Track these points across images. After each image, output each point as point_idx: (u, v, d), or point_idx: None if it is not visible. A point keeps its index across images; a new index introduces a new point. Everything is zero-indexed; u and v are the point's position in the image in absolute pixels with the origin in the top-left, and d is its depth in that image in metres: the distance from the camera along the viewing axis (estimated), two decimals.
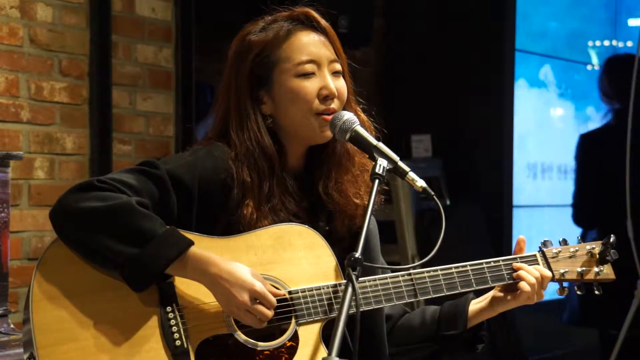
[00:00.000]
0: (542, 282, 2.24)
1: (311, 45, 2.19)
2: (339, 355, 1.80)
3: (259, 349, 2.06)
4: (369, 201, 2.02)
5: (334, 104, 2.20)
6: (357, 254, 1.94)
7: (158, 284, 2.04)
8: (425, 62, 5.74)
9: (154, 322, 2.02)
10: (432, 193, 2.07)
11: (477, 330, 2.31)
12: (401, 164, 2.10)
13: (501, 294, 2.27)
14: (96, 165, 4.19)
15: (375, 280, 2.17)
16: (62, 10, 4.11)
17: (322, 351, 2.09)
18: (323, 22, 2.23)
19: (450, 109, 5.62)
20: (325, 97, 2.18)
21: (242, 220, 2.12)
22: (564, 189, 6.27)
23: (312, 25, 2.21)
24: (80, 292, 2.01)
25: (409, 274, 2.19)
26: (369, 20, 5.35)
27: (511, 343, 5.50)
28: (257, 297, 2.01)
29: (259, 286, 2.01)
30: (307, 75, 2.17)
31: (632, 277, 4.28)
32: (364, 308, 2.14)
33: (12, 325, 2.85)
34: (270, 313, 2.03)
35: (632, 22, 6.75)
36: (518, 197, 5.71)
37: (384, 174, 2.07)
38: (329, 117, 2.17)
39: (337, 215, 2.24)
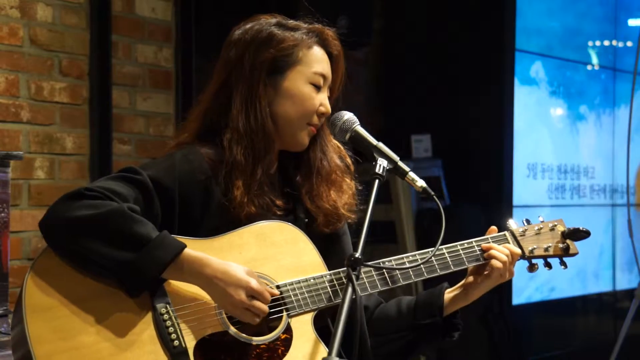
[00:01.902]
0: (512, 258, 2.31)
1: (324, 62, 2.28)
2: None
3: (255, 343, 2.09)
4: (368, 201, 2.05)
5: (322, 121, 2.29)
6: (357, 254, 1.97)
7: (153, 288, 2.05)
8: (425, 62, 5.74)
9: (149, 324, 2.03)
10: (432, 193, 2.11)
11: (452, 318, 2.36)
12: (401, 164, 2.14)
13: (473, 278, 2.32)
14: (96, 165, 4.20)
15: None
16: (62, 10, 4.12)
17: (316, 341, 2.13)
18: (336, 47, 2.31)
19: (450, 109, 5.62)
20: (322, 113, 2.27)
21: (232, 202, 2.16)
22: (560, 189, 6.27)
23: (325, 45, 2.29)
24: (73, 300, 2.01)
25: (390, 261, 2.24)
26: (369, 20, 5.35)
27: (511, 343, 5.51)
28: (253, 295, 2.05)
29: (254, 283, 2.05)
30: (317, 86, 2.26)
31: None
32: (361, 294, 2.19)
33: None
34: (266, 309, 2.07)
35: (632, 22, 6.75)
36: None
37: (384, 174, 2.10)
38: (315, 130, 2.27)
39: (319, 212, 2.28)
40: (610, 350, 4.36)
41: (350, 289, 1.93)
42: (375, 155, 2.14)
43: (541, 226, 2.40)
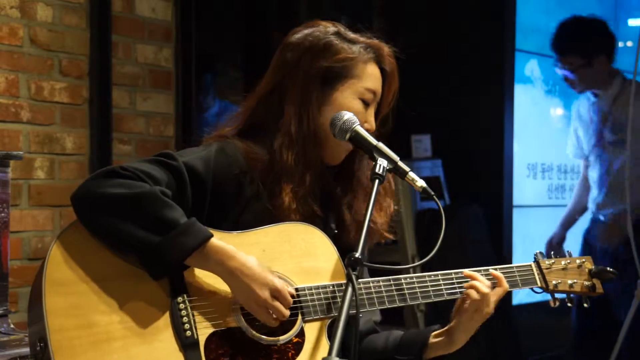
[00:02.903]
0: (494, 291, 2.24)
1: (376, 78, 2.30)
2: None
3: (266, 343, 2.09)
4: (369, 201, 2.05)
5: None
6: (357, 254, 1.96)
7: (175, 273, 2.05)
8: (425, 62, 5.73)
9: (165, 311, 2.04)
10: (432, 193, 2.11)
11: None
12: (401, 164, 2.14)
13: (455, 320, 2.26)
14: (96, 165, 4.19)
15: (379, 282, 2.20)
16: (62, 10, 4.12)
17: (327, 348, 2.11)
18: (391, 64, 2.33)
19: (450, 109, 5.62)
20: (366, 130, 2.24)
21: (278, 208, 2.16)
22: (560, 189, 6.26)
23: (380, 62, 2.31)
24: (93, 278, 2.02)
25: (412, 277, 2.23)
26: (369, 20, 5.35)
27: (511, 343, 5.50)
28: (276, 296, 2.04)
29: (280, 284, 2.05)
30: (365, 102, 2.27)
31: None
32: (367, 309, 2.18)
33: (12, 325, 2.85)
34: (287, 313, 2.06)
35: (632, 22, 6.75)
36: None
37: (384, 174, 2.09)
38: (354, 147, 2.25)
39: (354, 227, 2.27)
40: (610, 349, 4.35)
41: (350, 289, 1.93)
42: (375, 155, 2.14)
43: (569, 261, 2.40)
